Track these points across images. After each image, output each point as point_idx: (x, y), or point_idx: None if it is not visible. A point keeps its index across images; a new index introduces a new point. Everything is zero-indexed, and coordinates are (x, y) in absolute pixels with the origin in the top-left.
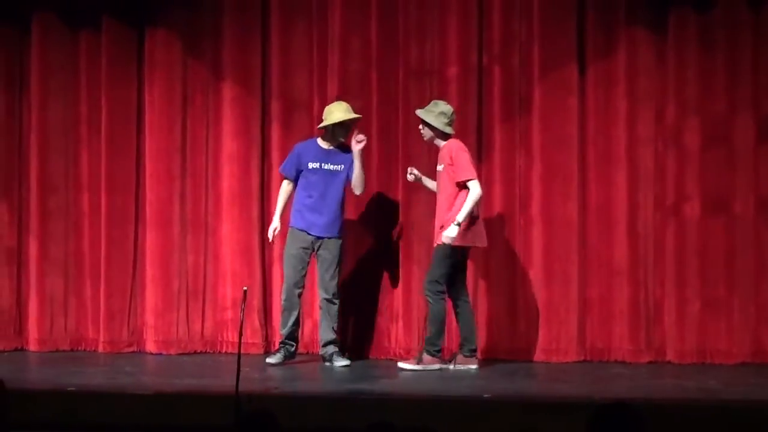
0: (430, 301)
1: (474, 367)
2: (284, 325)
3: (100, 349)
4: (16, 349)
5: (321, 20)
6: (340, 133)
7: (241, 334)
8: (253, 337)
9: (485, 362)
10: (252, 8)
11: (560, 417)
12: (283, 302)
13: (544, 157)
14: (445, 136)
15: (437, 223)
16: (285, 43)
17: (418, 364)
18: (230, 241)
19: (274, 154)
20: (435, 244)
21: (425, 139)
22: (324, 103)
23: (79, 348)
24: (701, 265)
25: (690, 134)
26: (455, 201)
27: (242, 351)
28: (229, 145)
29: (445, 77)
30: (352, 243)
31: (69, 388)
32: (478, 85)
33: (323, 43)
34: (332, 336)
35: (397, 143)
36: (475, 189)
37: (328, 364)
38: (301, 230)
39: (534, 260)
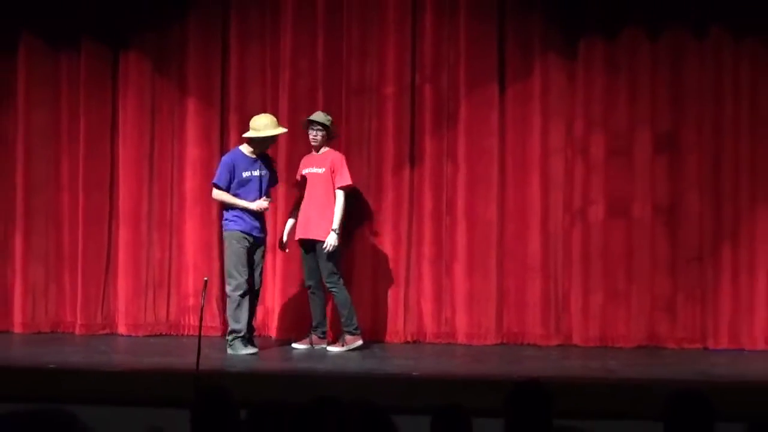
0: (335, 291)
1: (324, 346)
2: (241, 318)
3: (77, 331)
4: (2, 332)
5: (274, 43)
6: (267, 144)
7: (201, 319)
8: (212, 321)
9: (415, 344)
10: (213, 33)
11: (481, 393)
12: (238, 298)
13: (468, 166)
14: (330, 143)
15: (310, 219)
16: (242, 63)
17: (342, 345)
18: (192, 237)
19: None
20: (306, 237)
21: (316, 143)
22: (276, 115)
23: (58, 330)
24: (604, 262)
25: (595, 146)
26: (330, 202)
27: (202, 333)
28: (192, 151)
29: (382, 95)
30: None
31: (49, 366)
32: (411, 101)
33: (275, 63)
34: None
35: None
36: (340, 197)
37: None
38: (244, 232)
39: (458, 255)
